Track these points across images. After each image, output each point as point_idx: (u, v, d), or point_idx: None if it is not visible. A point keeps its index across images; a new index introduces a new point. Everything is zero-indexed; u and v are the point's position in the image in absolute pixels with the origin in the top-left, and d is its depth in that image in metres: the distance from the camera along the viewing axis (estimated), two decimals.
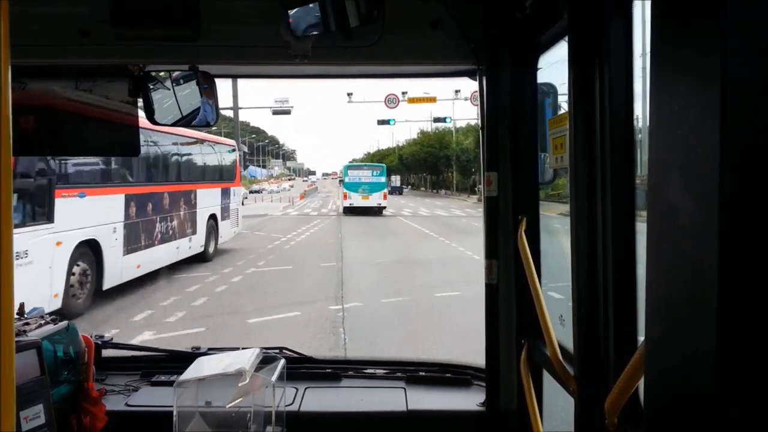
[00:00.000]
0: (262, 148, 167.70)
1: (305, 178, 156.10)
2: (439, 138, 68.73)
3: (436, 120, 56.33)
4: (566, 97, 1.46)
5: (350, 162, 44.09)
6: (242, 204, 32.05)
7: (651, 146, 0.78)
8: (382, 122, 52.84)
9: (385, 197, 37.41)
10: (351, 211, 36.53)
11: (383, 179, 37.86)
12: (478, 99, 2.14)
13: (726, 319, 0.63)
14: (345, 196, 37.68)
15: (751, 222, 0.62)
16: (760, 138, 0.61)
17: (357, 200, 36.47)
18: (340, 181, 57.23)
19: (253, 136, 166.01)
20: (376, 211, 36.46)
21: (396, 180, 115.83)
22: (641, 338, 1.11)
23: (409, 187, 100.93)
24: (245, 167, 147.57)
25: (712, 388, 0.64)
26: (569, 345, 1.52)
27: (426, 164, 73.85)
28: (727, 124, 0.61)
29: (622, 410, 1.16)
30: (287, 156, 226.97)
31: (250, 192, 64.31)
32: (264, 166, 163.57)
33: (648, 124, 0.79)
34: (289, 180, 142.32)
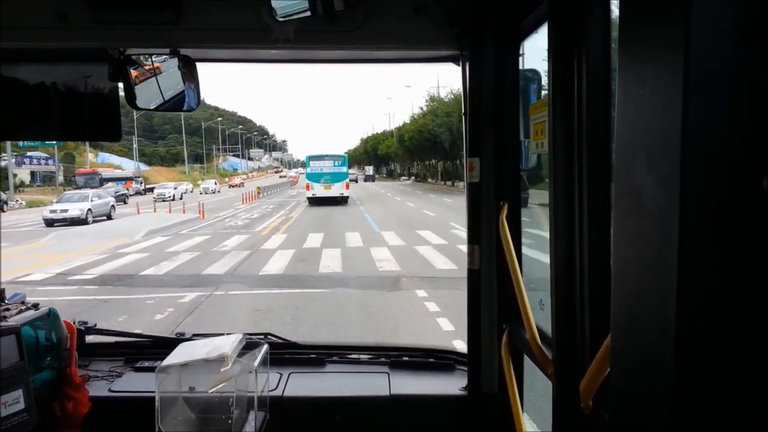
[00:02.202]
0: (247, 139, 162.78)
1: (299, 170, 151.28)
2: (458, 102, 41.28)
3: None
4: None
5: (312, 154, 40.73)
6: (85, 219, 27.73)
7: (618, 130, 0.79)
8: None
9: (347, 187, 38.59)
10: (315, 201, 37.40)
11: (345, 169, 38.84)
12: (461, 85, 2.14)
13: (686, 303, 0.64)
14: (308, 187, 38.74)
15: (712, 205, 0.62)
16: (720, 123, 0.62)
17: (319, 190, 37.75)
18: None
19: (240, 126, 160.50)
20: (340, 201, 37.34)
21: (369, 169, 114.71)
22: None
23: (412, 178, 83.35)
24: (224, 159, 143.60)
25: (671, 373, 0.66)
26: (549, 330, 1.53)
27: (435, 145, 53.82)
28: (690, 109, 0.62)
29: (596, 393, 1.18)
30: (278, 147, 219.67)
31: (157, 199, 51.05)
32: (250, 158, 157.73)
33: (616, 114, 0.80)
34: (276, 172, 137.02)
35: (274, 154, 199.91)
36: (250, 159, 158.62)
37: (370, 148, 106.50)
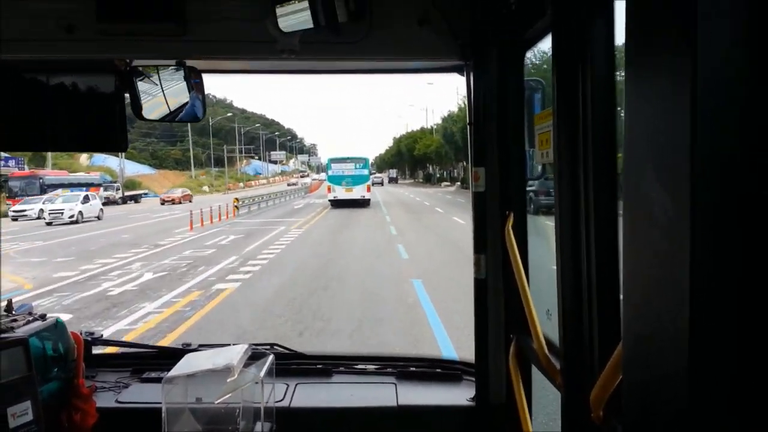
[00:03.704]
0: (272, 141, 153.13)
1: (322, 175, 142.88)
2: None
3: None
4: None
5: (333, 157, 40.01)
6: None
7: (626, 141, 0.79)
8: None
9: (368, 189, 38.52)
10: (337, 204, 37.15)
11: (366, 172, 38.76)
12: (465, 95, 2.15)
13: (699, 314, 0.64)
14: (329, 189, 38.68)
15: (722, 215, 0.62)
16: (728, 134, 0.62)
17: (341, 193, 37.69)
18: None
19: (258, 125, 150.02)
20: (362, 203, 37.04)
21: (392, 172, 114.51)
22: None
23: (457, 184, 61.61)
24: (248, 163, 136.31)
25: (685, 383, 0.65)
26: (557, 339, 1.53)
27: None
28: (698, 119, 0.62)
29: (606, 403, 1.17)
30: (306, 150, 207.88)
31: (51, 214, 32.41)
32: (271, 161, 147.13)
33: (624, 125, 0.80)
34: (302, 176, 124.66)
35: (300, 157, 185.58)
36: (272, 162, 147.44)
37: (405, 148, 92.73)
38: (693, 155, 0.63)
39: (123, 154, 72.51)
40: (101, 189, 52.56)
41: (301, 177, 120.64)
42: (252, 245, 19.42)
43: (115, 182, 60.53)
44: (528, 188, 2.12)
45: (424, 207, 37.50)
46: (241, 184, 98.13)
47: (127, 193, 58.35)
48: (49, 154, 55.07)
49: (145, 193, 64.77)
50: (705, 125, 0.62)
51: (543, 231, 2.30)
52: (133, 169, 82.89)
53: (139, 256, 17.39)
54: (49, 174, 49.28)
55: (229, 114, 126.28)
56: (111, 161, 75.30)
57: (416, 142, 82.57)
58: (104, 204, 47.95)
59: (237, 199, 37.34)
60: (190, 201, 52.56)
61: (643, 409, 0.79)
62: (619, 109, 1.27)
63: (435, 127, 79.49)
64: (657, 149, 0.71)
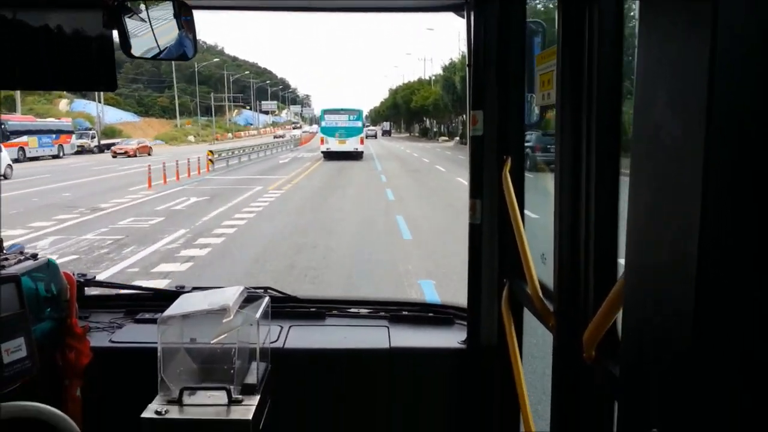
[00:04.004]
0: (264, 90, 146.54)
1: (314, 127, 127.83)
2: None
3: None
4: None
5: (327, 108, 38.88)
6: None
7: (638, 71, 0.77)
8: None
9: (362, 141, 38.08)
10: (329, 155, 36.72)
11: (359, 123, 38.21)
12: (465, 36, 2.09)
13: (708, 246, 0.62)
14: (322, 141, 38.00)
15: (737, 142, 0.60)
16: (750, 61, 0.60)
17: (334, 145, 37.14)
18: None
19: (248, 73, 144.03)
20: (355, 156, 36.59)
21: (386, 125, 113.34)
22: (621, 273, 1.12)
23: (456, 139, 58.96)
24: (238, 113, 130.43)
25: (690, 319, 0.64)
26: (551, 284, 1.54)
27: None
28: (717, 51, 0.60)
29: (599, 343, 1.18)
30: (300, 101, 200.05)
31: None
32: (262, 111, 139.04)
33: (637, 50, 0.77)
34: (294, 128, 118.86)
35: (293, 108, 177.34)
36: (263, 112, 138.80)
37: (401, 100, 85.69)
38: (711, 82, 0.60)
39: (103, 99, 68.52)
40: (73, 137, 47.51)
41: (293, 128, 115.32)
42: (213, 212, 15.73)
43: (90, 129, 54.50)
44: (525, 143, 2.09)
45: (423, 164, 33.84)
46: (230, 135, 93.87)
47: (104, 142, 53.45)
48: (18, 98, 50.59)
49: (127, 142, 60.77)
50: (724, 61, 0.60)
51: (540, 188, 2.28)
52: (116, 116, 78.64)
53: (61, 226, 13.84)
54: (13, 119, 41.77)
55: (217, 60, 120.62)
56: (91, 107, 69.32)
57: (414, 94, 77.67)
58: (77, 153, 46.51)
59: (212, 152, 32.31)
60: (149, 154, 46.92)
61: (641, 346, 0.79)
62: (627, 42, 1.24)
63: (434, 77, 74.09)
64: (671, 80, 0.69)
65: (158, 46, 2.14)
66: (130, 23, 2.10)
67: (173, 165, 26.85)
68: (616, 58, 1.21)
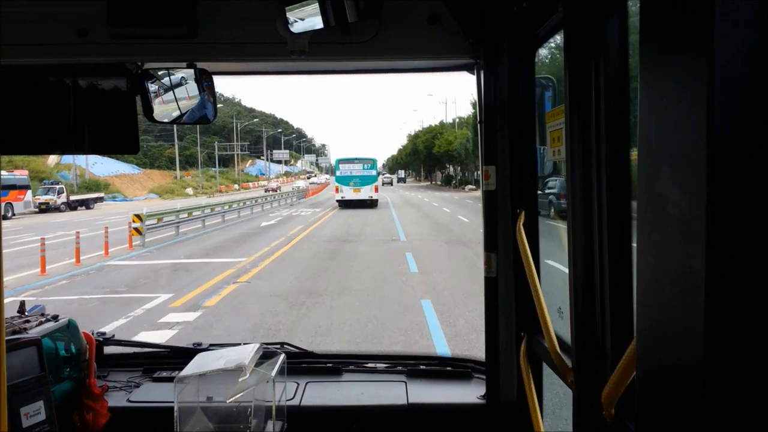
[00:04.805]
0: (284, 141, 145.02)
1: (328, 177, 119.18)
2: None
3: None
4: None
5: (341, 158, 39.33)
6: None
7: (641, 138, 0.79)
8: None
9: (376, 190, 38.29)
10: (344, 204, 37.04)
11: (374, 172, 38.65)
12: (476, 94, 2.14)
13: (715, 313, 0.63)
14: (337, 190, 38.35)
15: (739, 214, 0.62)
16: (746, 131, 0.62)
17: (349, 193, 37.46)
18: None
19: (276, 129, 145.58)
20: (369, 204, 36.90)
21: (401, 172, 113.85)
22: None
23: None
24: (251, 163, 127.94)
25: (701, 382, 0.65)
26: (568, 337, 1.52)
27: None
28: (715, 117, 0.62)
29: (619, 401, 1.16)
30: (316, 151, 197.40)
31: None
32: (279, 161, 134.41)
33: (639, 118, 0.79)
34: (308, 177, 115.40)
35: (307, 157, 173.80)
36: (275, 161, 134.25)
37: (422, 145, 79.21)
38: (710, 154, 0.62)
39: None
40: (28, 192, 39.02)
41: (307, 178, 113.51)
42: None
43: (57, 183, 45.17)
44: (548, 191, 2.10)
45: (462, 225, 24.20)
46: (236, 186, 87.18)
47: (75, 197, 45.65)
48: None
49: (114, 197, 56.64)
50: (722, 124, 0.62)
51: (561, 233, 2.27)
52: (111, 168, 72.45)
53: None
54: None
55: (230, 110, 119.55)
56: (81, 159, 63.97)
57: (436, 138, 72.28)
58: (42, 211, 39.10)
59: (139, 216, 20.22)
60: (88, 207, 43.07)
61: (656, 406, 0.78)
62: (633, 105, 1.27)
63: (457, 120, 72.39)
64: (672, 147, 0.71)
65: (180, 110, 2.23)
66: (153, 89, 2.20)
67: (111, 228, 20.39)
68: (623, 115, 1.24)
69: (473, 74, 2.15)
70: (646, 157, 0.77)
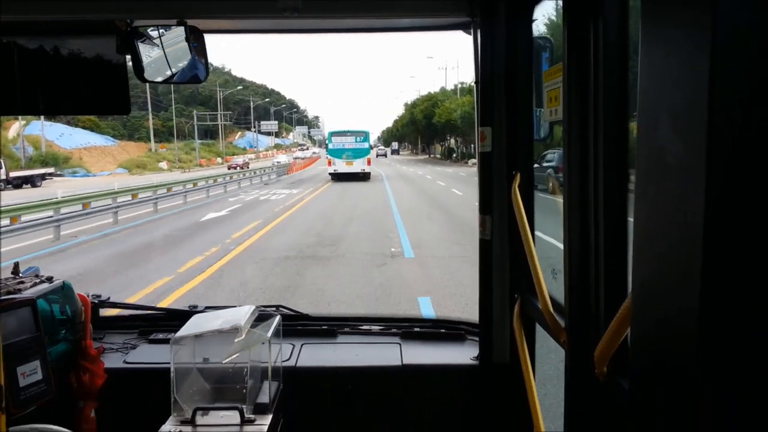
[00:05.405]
0: (275, 112, 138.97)
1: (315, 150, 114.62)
2: None
3: None
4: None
5: (333, 130, 38.49)
6: None
7: (641, 89, 0.77)
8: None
9: (368, 163, 38.01)
10: (337, 177, 36.80)
11: (366, 145, 38.28)
12: (473, 53, 2.11)
13: (711, 266, 0.62)
14: (329, 162, 38.08)
15: (739, 163, 0.61)
16: (748, 80, 0.60)
17: (341, 166, 37.18)
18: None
19: (266, 99, 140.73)
20: (362, 177, 36.61)
21: (394, 144, 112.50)
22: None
23: None
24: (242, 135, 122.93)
25: (696, 338, 0.64)
26: (562, 299, 1.53)
27: None
28: (717, 65, 0.60)
29: (611, 359, 1.17)
30: (308, 123, 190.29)
31: None
32: (268, 133, 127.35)
33: (639, 68, 0.78)
34: (300, 149, 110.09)
35: (299, 129, 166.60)
36: (263, 133, 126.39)
37: (421, 114, 69.00)
38: (711, 103, 0.61)
39: (43, 118, 57.43)
40: None
41: (300, 150, 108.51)
42: None
43: None
44: (546, 164, 2.08)
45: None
46: (219, 160, 77.96)
47: (19, 173, 40.02)
48: None
49: (74, 172, 51.31)
50: (724, 72, 0.60)
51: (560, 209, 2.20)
52: (81, 140, 66.63)
53: None
54: None
55: (219, 80, 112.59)
56: (55, 129, 61.78)
57: (435, 107, 62.94)
58: None
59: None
60: None
61: (649, 362, 0.79)
62: (632, 62, 1.25)
63: (459, 86, 63.86)
64: (673, 96, 0.69)
65: (171, 70, 2.18)
66: (143, 48, 2.15)
67: None
68: (621, 72, 1.22)
69: (469, 34, 2.11)
70: (645, 108, 0.76)
